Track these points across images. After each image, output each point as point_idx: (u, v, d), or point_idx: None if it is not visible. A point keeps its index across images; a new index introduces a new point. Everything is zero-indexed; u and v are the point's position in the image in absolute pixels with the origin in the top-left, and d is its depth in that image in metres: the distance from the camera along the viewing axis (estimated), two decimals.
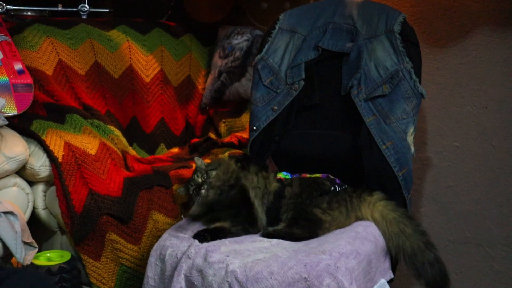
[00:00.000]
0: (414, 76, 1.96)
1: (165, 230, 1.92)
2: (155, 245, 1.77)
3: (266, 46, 2.13)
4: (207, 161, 2.52)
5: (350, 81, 1.99)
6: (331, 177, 1.88)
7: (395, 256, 1.79)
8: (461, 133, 2.29)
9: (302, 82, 2.04)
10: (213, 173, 1.82)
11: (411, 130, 1.93)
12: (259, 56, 2.14)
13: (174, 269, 1.66)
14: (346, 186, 1.86)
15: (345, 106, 2.01)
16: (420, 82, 1.97)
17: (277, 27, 2.16)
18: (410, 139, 1.93)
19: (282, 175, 1.91)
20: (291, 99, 2.04)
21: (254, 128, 2.06)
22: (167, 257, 1.71)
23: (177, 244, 1.72)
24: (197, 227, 1.80)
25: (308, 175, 1.90)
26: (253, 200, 1.80)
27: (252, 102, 2.11)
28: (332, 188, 1.83)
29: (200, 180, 1.81)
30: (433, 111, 2.35)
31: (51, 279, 1.58)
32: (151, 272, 1.75)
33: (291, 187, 1.84)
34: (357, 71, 1.99)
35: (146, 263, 1.78)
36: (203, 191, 1.79)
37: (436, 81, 2.32)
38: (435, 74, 2.32)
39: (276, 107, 2.05)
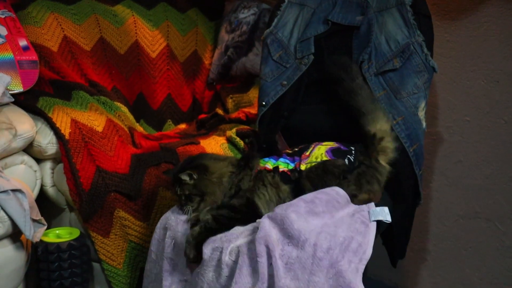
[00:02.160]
0: (425, 50, 1.92)
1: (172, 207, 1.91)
2: (158, 223, 1.78)
3: (275, 20, 2.09)
4: (218, 137, 2.51)
5: (361, 55, 1.95)
6: (342, 148, 1.74)
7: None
8: (471, 107, 2.26)
9: (312, 57, 2.01)
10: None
11: (423, 105, 1.90)
12: (268, 30, 2.10)
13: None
14: (352, 148, 1.73)
15: None
16: (432, 56, 1.93)
17: (286, 0, 2.12)
18: (421, 114, 1.90)
19: (282, 165, 1.74)
20: (300, 73, 2.01)
21: (263, 103, 2.04)
22: (167, 237, 1.72)
23: (174, 227, 1.72)
24: None
25: (322, 144, 1.77)
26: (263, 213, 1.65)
27: (261, 77, 2.08)
28: (347, 160, 1.70)
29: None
30: (443, 85, 2.32)
31: None
32: (155, 247, 1.76)
33: (306, 179, 1.69)
34: (368, 45, 1.95)
35: None
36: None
37: (446, 54, 2.28)
38: (445, 47, 2.28)
39: (285, 82, 2.02)
